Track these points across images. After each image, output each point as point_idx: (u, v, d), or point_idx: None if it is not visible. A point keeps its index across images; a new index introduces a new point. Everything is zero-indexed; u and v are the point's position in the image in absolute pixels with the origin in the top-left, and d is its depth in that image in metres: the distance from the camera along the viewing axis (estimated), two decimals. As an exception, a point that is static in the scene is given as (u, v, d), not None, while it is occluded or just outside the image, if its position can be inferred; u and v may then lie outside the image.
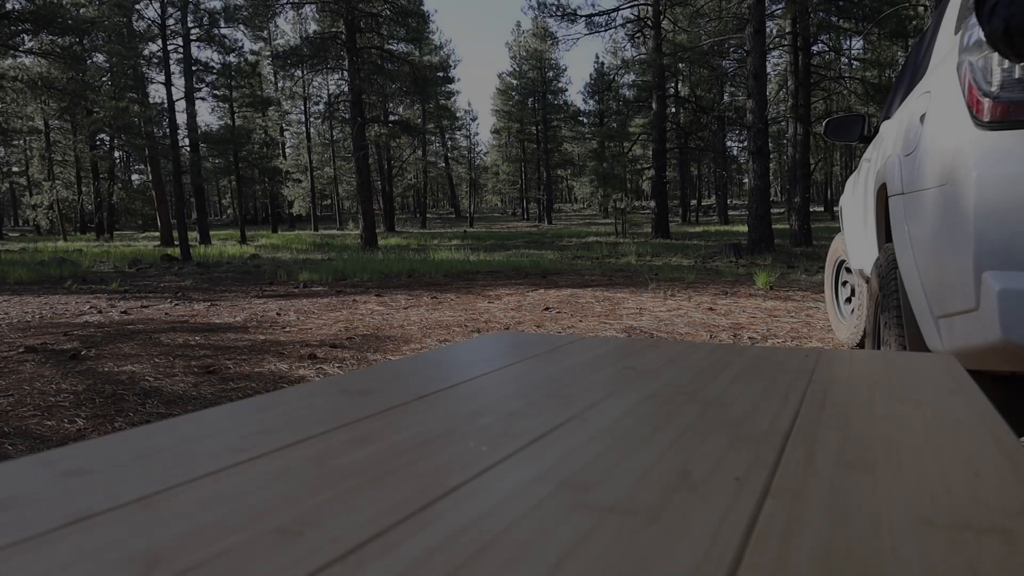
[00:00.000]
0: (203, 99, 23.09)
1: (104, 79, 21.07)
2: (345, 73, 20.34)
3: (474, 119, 53.96)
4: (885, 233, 2.74)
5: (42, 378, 3.81)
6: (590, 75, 31.68)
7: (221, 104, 31.40)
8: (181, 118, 19.66)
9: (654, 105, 20.13)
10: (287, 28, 45.06)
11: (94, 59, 22.21)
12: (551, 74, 42.32)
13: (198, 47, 22.47)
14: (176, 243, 19.89)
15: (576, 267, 10.94)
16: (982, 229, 1.55)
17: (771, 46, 16.65)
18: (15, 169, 49.53)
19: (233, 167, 27.28)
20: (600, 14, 19.47)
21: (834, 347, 4.22)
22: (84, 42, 18.91)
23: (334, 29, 20.33)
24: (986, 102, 1.59)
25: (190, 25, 19.99)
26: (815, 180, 44.19)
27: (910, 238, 2.02)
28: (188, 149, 20.99)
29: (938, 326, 1.81)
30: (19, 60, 19.74)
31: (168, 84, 18.26)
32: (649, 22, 19.51)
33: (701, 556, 0.32)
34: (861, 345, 3.68)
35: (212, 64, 22.10)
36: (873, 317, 2.82)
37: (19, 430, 2.88)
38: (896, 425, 0.53)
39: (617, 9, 19.45)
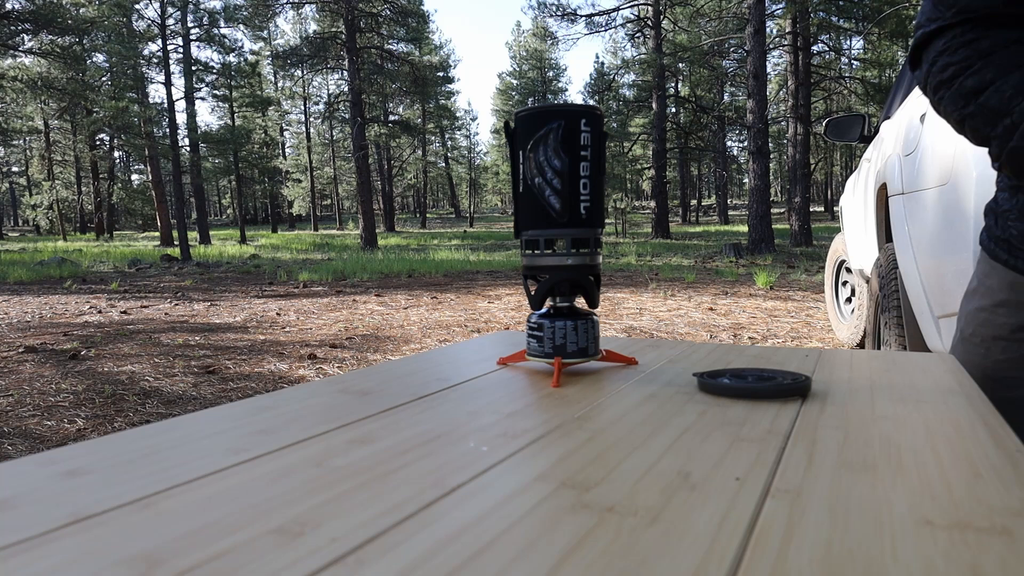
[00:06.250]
0: (203, 99, 23.09)
1: (104, 79, 21.07)
2: (345, 73, 20.34)
3: (474, 119, 53.93)
4: (885, 233, 2.74)
5: (42, 378, 3.81)
6: (590, 75, 31.66)
7: (221, 104, 31.41)
8: (181, 118, 19.66)
9: (654, 105, 20.13)
10: (287, 28, 45.13)
11: (94, 59, 22.21)
12: (551, 74, 42.32)
13: (198, 47, 22.51)
14: (176, 243, 19.89)
15: (576, 267, 10.93)
16: (982, 229, 1.54)
17: (771, 46, 16.63)
18: (15, 169, 49.54)
19: (233, 167, 27.27)
20: (600, 14, 19.47)
21: (834, 347, 4.22)
22: (84, 42, 18.90)
23: (334, 29, 20.33)
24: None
25: (190, 25, 19.99)
26: (815, 180, 44.19)
27: (910, 238, 2.02)
28: (188, 149, 20.99)
29: (938, 326, 1.81)
30: (19, 60, 19.73)
31: (168, 84, 18.26)
32: (649, 22, 19.51)
33: (701, 556, 0.32)
34: (861, 345, 3.68)
35: (212, 64, 22.11)
36: (873, 317, 2.82)
37: (19, 430, 2.88)
38: (896, 425, 0.53)
39: (617, 9, 19.44)
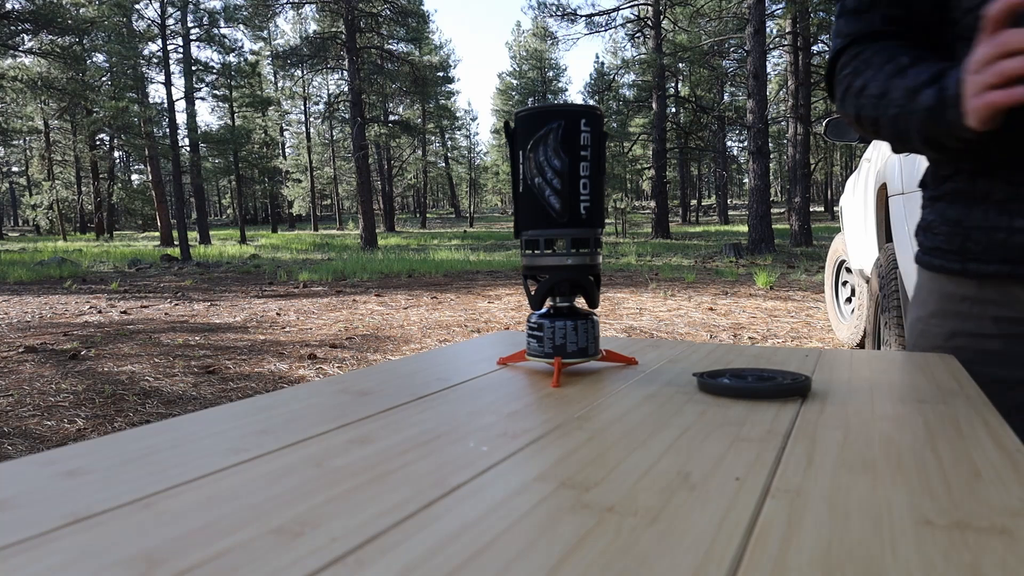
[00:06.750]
0: (203, 99, 23.09)
1: (104, 79, 21.07)
2: (345, 73, 20.34)
3: (474, 119, 53.95)
4: (885, 233, 2.74)
5: (42, 378, 3.81)
6: (590, 75, 31.65)
7: (221, 104, 31.41)
8: (181, 118, 19.66)
9: (654, 105, 20.13)
10: (287, 28, 45.17)
11: (94, 59, 22.21)
12: (551, 74, 42.33)
13: (198, 47, 22.53)
14: (176, 243, 19.88)
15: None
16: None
17: (771, 46, 16.63)
18: (15, 169, 49.55)
19: (233, 167, 27.28)
20: (600, 14, 19.47)
21: (834, 347, 4.22)
22: (84, 42, 18.90)
23: (334, 29, 20.34)
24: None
25: (190, 25, 19.99)
26: (815, 180, 44.17)
27: (910, 238, 2.02)
28: (188, 149, 20.99)
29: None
30: (19, 60, 19.73)
31: (168, 84, 18.26)
32: (649, 22, 19.51)
33: (701, 556, 0.32)
34: (861, 345, 3.68)
35: (212, 64, 22.11)
36: (873, 317, 2.82)
37: (19, 430, 2.88)
38: (896, 425, 0.53)
39: (617, 9, 19.44)
